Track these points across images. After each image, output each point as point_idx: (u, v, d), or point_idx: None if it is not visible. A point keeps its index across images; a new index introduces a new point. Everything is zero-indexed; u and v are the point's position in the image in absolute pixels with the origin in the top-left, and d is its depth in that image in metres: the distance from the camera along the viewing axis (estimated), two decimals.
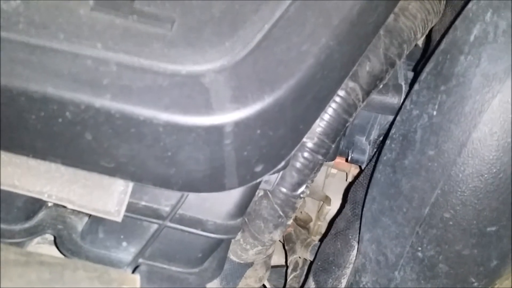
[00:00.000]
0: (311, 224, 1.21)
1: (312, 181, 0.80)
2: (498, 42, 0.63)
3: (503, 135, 0.62)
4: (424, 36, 0.89)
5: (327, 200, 1.20)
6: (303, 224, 1.19)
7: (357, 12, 0.62)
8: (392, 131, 0.74)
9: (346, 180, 1.25)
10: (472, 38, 0.66)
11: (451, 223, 0.66)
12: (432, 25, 0.89)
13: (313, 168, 0.78)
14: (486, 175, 0.63)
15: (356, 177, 0.97)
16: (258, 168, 0.63)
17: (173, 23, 0.58)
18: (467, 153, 0.63)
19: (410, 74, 0.97)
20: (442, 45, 0.70)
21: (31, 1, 0.57)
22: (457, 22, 0.70)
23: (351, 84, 0.77)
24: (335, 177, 1.26)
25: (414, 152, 0.67)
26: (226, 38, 0.58)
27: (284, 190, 0.77)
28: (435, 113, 0.67)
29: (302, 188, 0.78)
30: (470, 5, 0.69)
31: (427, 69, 0.71)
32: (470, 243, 0.67)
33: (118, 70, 0.56)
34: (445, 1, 0.90)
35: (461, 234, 0.67)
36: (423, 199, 0.67)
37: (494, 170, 0.63)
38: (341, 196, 1.21)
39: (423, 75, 0.72)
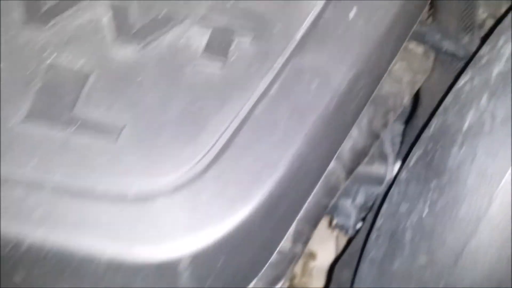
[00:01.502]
0: (295, 281, 1.13)
1: (292, 271, 0.72)
2: (496, 133, 0.55)
3: (504, 245, 0.54)
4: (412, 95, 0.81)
5: (311, 255, 1.13)
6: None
7: (335, 107, 0.53)
8: (379, 222, 0.66)
9: (330, 225, 1.18)
10: (465, 126, 0.58)
11: None
12: (420, 84, 0.81)
13: (292, 259, 0.70)
14: None
15: (342, 251, 0.89)
16: None
17: (121, 131, 0.49)
18: (463, 263, 0.55)
19: (399, 128, 0.90)
20: (432, 129, 0.62)
21: None
22: (447, 102, 0.62)
23: (331, 164, 0.69)
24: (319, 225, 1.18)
25: (404, 257, 0.60)
26: (183, 148, 0.50)
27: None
28: (426, 211, 0.59)
29: (281, 282, 0.70)
30: (461, 83, 0.61)
31: (415, 154, 0.63)
32: None
33: (53, 198, 0.47)
34: (433, 57, 0.82)
35: None
36: None
37: (495, 284, 0.55)
38: (327, 247, 1.14)
39: (411, 161, 0.64)
